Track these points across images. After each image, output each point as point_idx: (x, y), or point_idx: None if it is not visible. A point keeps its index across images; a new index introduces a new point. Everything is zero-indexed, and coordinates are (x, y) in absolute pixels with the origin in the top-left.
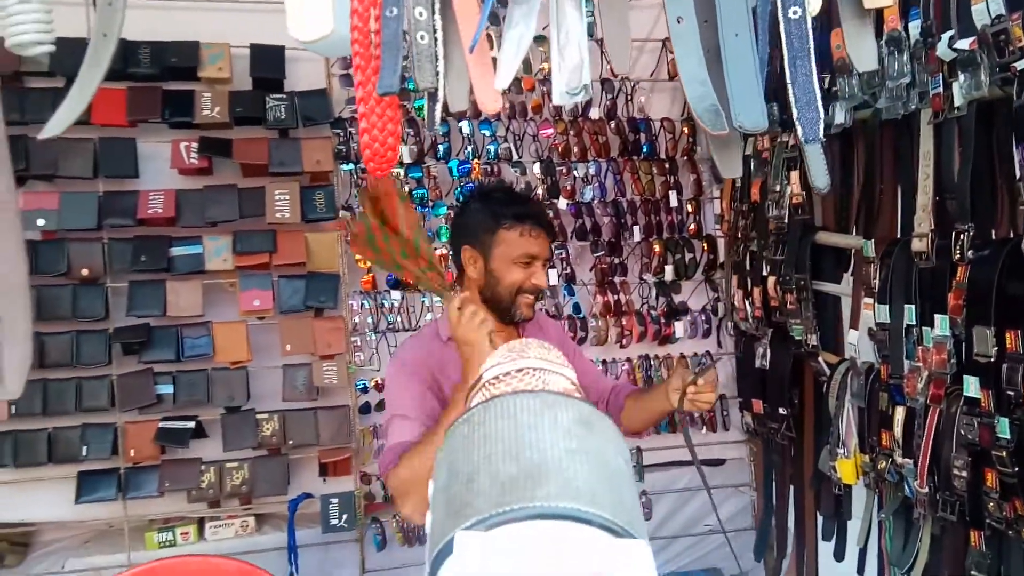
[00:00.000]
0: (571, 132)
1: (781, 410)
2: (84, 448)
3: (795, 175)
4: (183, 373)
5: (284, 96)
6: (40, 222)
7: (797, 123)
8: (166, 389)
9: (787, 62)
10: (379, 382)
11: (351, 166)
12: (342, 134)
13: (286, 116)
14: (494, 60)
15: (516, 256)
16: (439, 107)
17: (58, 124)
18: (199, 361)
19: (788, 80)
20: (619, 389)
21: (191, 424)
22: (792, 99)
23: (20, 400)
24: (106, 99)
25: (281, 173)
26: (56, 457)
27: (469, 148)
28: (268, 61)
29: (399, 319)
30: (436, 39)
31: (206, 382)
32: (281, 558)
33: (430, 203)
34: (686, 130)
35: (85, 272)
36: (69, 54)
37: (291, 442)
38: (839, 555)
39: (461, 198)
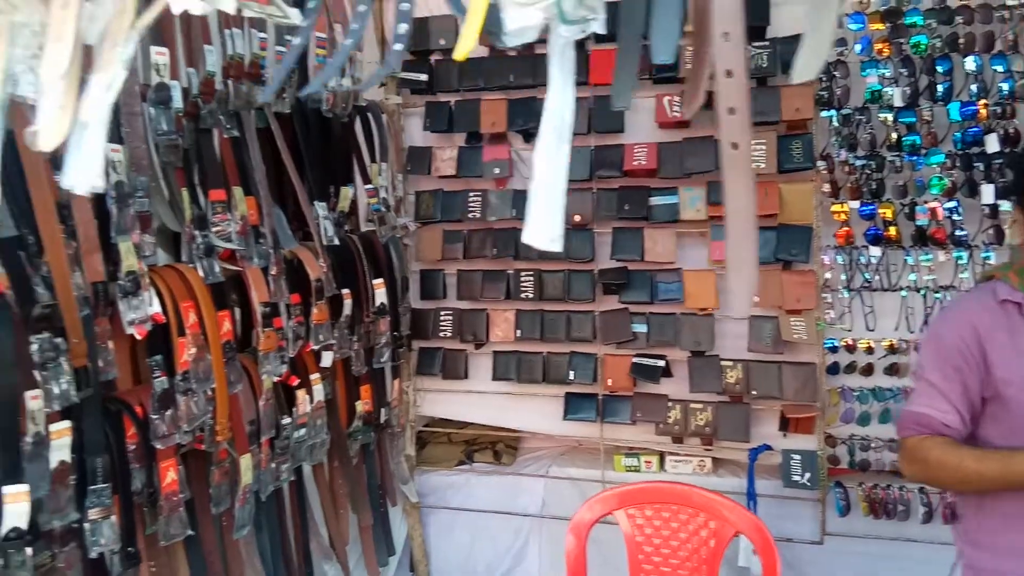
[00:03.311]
0: None
1: None
2: (571, 373)
3: None
4: (655, 315)
5: (767, 43)
6: None
7: None
8: (640, 328)
9: None
10: (850, 343)
11: (833, 113)
12: (824, 79)
13: (767, 64)
14: None
15: None
16: None
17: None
18: (670, 305)
19: None
20: None
21: (662, 363)
22: None
23: (524, 326)
24: (600, 60)
25: (758, 123)
26: (549, 378)
27: (975, 87)
28: (754, 9)
29: (877, 278)
30: None
31: (675, 325)
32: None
33: (923, 150)
34: None
35: (578, 218)
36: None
37: (754, 392)
38: None
39: (960, 145)
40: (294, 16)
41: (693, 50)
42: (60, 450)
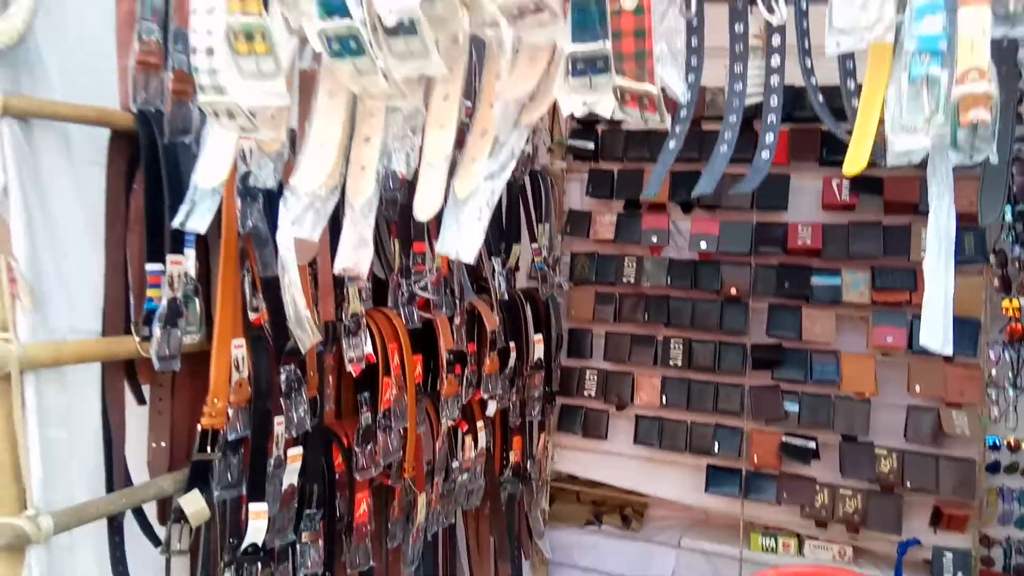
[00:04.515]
0: None
1: None
2: (716, 444)
3: None
4: (808, 395)
5: None
6: (703, 245)
7: None
8: (792, 407)
9: None
10: (1013, 442)
11: (1008, 207)
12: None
13: None
14: None
15: None
16: None
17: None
18: (825, 386)
19: None
20: None
21: (812, 444)
22: None
23: (670, 392)
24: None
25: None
26: (691, 447)
27: None
28: None
29: None
30: None
31: (829, 408)
32: None
33: None
34: None
35: (733, 291)
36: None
37: (908, 484)
38: None
39: None
40: (669, 122)
41: None
42: (291, 474)
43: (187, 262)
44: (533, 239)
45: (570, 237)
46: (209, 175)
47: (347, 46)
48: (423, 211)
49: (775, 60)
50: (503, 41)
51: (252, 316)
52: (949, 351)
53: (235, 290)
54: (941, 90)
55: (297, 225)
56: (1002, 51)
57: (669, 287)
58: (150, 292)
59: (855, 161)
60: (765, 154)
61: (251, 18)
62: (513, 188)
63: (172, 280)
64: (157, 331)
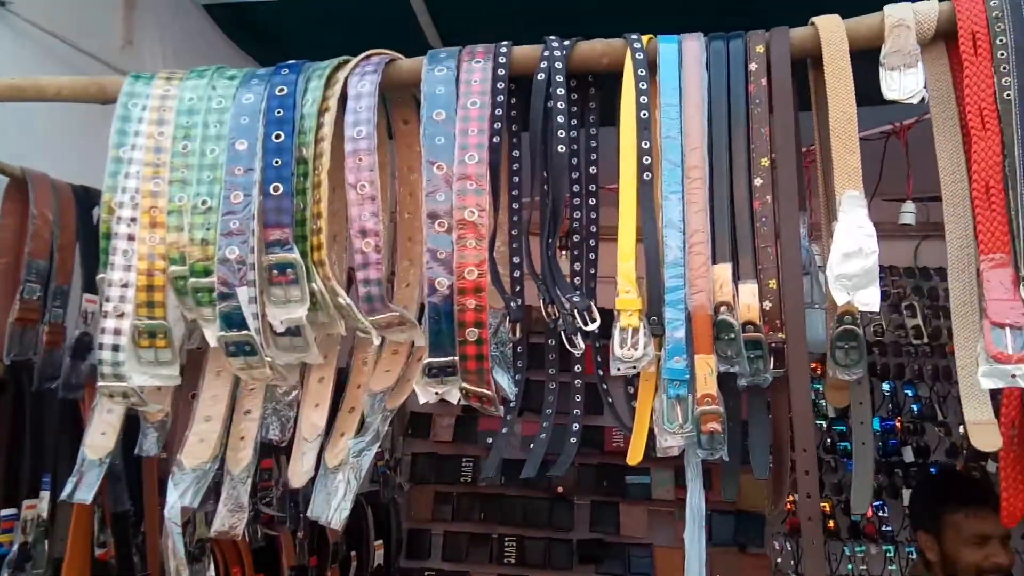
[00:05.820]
0: None
1: None
2: None
3: None
4: None
5: None
6: (532, 444)
7: None
8: None
9: None
10: None
11: None
12: None
13: None
14: None
15: (967, 537)
16: None
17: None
18: None
19: None
20: None
21: None
22: None
23: None
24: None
25: None
26: None
27: (891, 406)
28: None
29: None
30: None
31: None
32: None
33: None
34: None
35: (560, 489)
36: None
37: None
38: None
39: (882, 453)
40: (502, 411)
41: (775, 457)
42: None
43: (42, 504)
44: None
45: (411, 438)
46: (97, 447)
47: (242, 349)
48: (297, 479)
49: (577, 367)
50: (372, 340)
51: (98, 551)
52: None
53: (86, 531)
54: (688, 406)
55: (183, 498)
56: (729, 380)
57: (503, 486)
58: (1, 538)
59: (635, 452)
60: (573, 439)
61: (156, 321)
62: None
63: (25, 525)
64: None
